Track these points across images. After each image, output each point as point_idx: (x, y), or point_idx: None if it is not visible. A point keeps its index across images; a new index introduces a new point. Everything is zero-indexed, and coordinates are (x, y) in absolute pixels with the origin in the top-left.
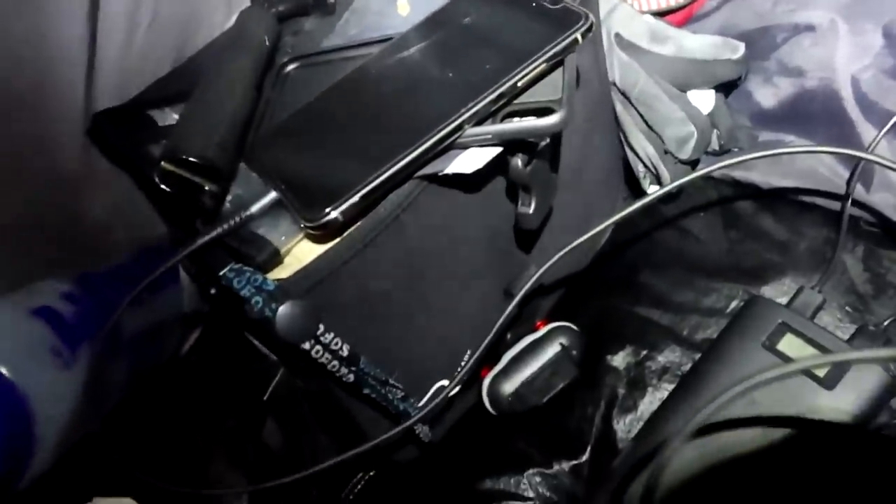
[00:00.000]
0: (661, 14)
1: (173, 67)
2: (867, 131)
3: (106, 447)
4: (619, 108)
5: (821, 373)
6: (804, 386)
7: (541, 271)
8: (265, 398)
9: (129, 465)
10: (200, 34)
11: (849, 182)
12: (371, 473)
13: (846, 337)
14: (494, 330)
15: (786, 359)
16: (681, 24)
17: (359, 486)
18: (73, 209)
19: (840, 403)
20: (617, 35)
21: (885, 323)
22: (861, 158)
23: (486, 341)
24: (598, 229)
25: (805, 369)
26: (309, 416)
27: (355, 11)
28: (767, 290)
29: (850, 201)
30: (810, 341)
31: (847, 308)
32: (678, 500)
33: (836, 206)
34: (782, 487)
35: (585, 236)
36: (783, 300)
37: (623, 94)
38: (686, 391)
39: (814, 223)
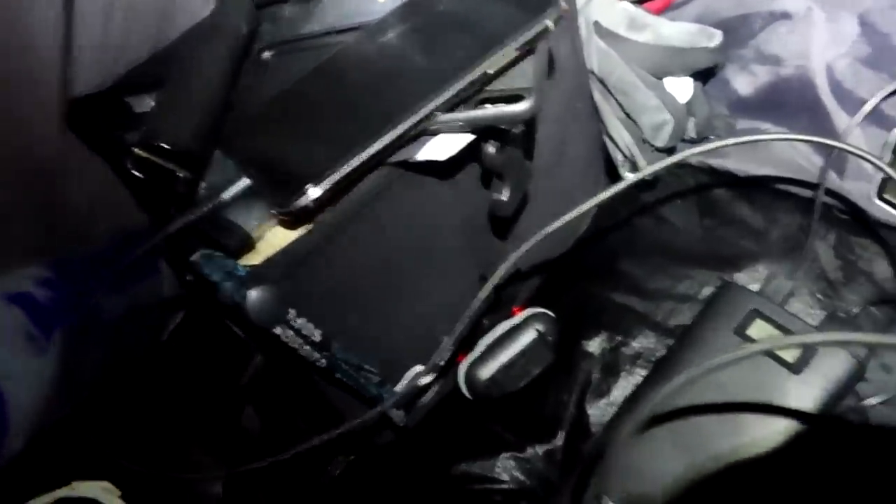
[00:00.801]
0: (640, 1)
1: (151, 54)
2: (841, 119)
3: (85, 432)
4: (597, 96)
5: (789, 358)
6: (772, 371)
7: (515, 257)
8: (243, 383)
9: (108, 450)
10: (178, 21)
11: (822, 170)
12: (351, 457)
13: (816, 323)
14: (468, 314)
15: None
16: (660, 12)
17: (339, 470)
18: (52, 196)
19: (807, 387)
20: (595, 23)
21: (855, 311)
22: (832, 147)
23: (460, 326)
24: (568, 217)
25: (774, 354)
26: (286, 401)
27: None
28: (741, 277)
29: (822, 190)
30: (780, 327)
31: (818, 295)
32: (645, 483)
33: (810, 193)
34: (750, 471)
35: (557, 223)
36: (756, 287)
37: (601, 82)
38: (658, 377)
39: (788, 211)
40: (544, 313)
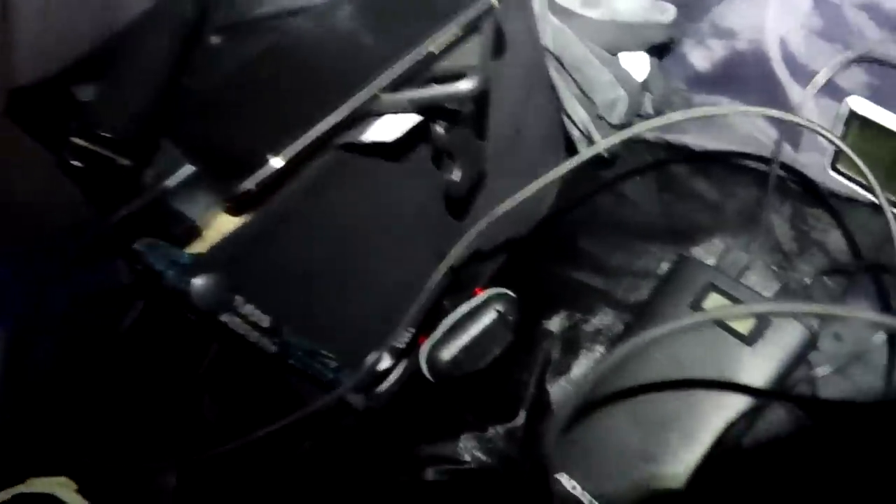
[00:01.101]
0: None
1: (96, 41)
2: (795, 92)
3: (39, 426)
4: (553, 73)
5: (743, 330)
6: (727, 343)
7: (470, 237)
8: (201, 372)
9: (63, 443)
10: (126, 6)
11: (777, 143)
12: (313, 442)
13: (771, 295)
14: (424, 296)
15: None
16: None
17: (301, 455)
18: None
19: (761, 359)
20: None
21: (808, 281)
22: (785, 120)
23: (415, 307)
24: (521, 196)
25: (728, 327)
26: (244, 389)
27: None
28: (698, 251)
29: (776, 164)
30: (734, 300)
31: (773, 267)
32: (603, 458)
33: (766, 167)
34: (706, 443)
35: (509, 202)
36: (712, 260)
37: (556, 58)
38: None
39: (744, 184)
40: (504, 293)
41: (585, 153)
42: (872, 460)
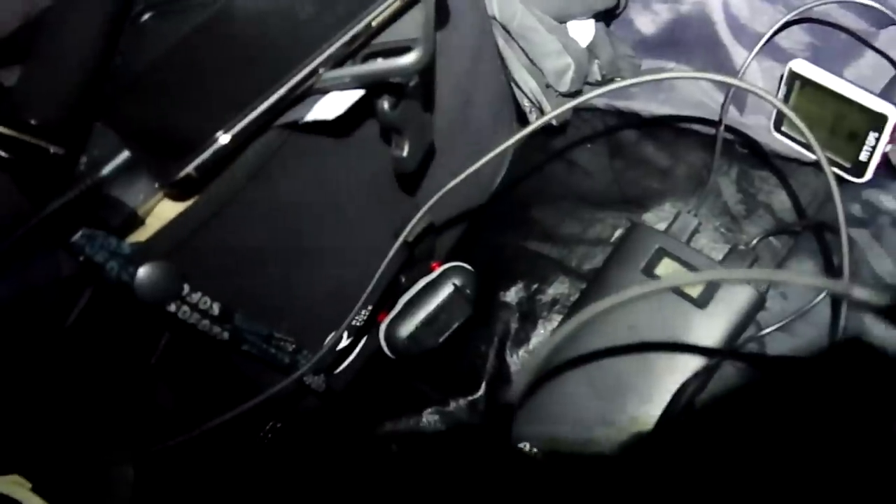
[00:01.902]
0: None
1: (23, 22)
2: (739, 54)
3: None
4: (500, 42)
5: (694, 293)
6: (680, 307)
7: (423, 211)
8: (154, 361)
9: (13, 441)
10: None
11: (722, 107)
12: (277, 425)
13: (720, 257)
14: (379, 273)
15: None
16: None
17: (268, 437)
18: None
19: (712, 320)
20: None
21: (754, 242)
22: (729, 84)
23: (371, 285)
24: (470, 170)
25: (680, 291)
26: (200, 376)
27: None
28: (649, 217)
29: (722, 127)
30: (685, 264)
31: (721, 229)
32: (562, 426)
33: (713, 130)
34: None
35: (461, 176)
36: (663, 225)
37: (503, 27)
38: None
39: (692, 148)
40: (461, 267)
41: (538, 123)
42: (816, 413)
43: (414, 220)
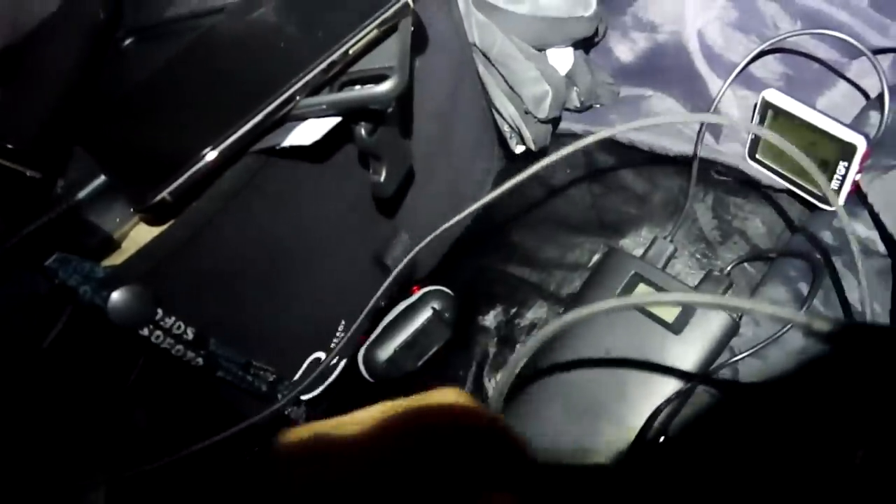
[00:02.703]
0: None
1: (3, 47)
2: (715, 83)
3: None
4: (481, 69)
5: (669, 318)
6: (655, 331)
7: (414, 251)
8: (130, 384)
9: None
10: (35, 9)
11: (696, 141)
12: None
13: (695, 283)
14: (368, 308)
15: None
16: None
17: (246, 461)
18: None
19: (687, 346)
20: None
21: (728, 268)
22: (705, 116)
23: (361, 317)
24: (462, 216)
25: (655, 316)
26: (176, 401)
27: None
28: (626, 243)
29: (697, 159)
30: (660, 289)
31: (697, 255)
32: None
33: (689, 155)
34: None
35: (455, 219)
36: (640, 251)
37: (484, 54)
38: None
39: (668, 175)
40: (440, 290)
41: (539, 164)
42: (784, 440)
43: (407, 259)
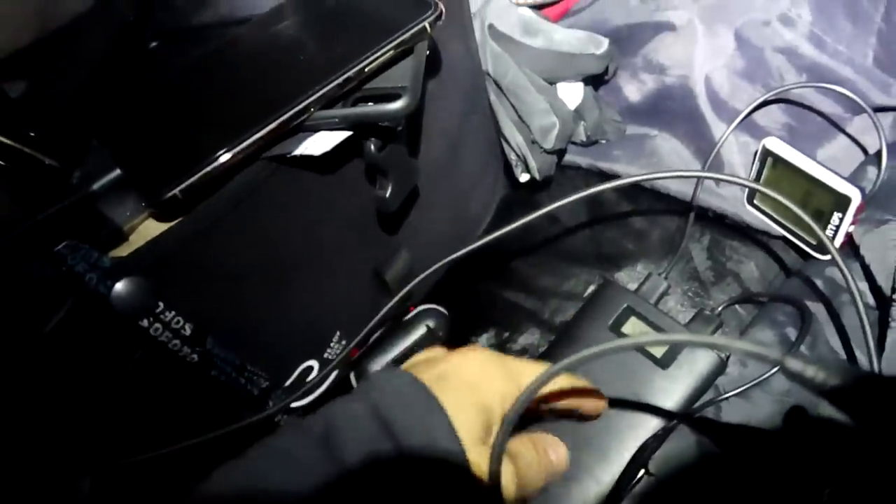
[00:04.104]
0: (538, 7)
1: (34, 39)
2: (718, 127)
3: None
4: (492, 97)
5: (657, 354)
6: (643, 366)
7: (419, 279)
8: (126, 376)
9: None
10: (66, 6)
11: (693, 194)
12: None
13: (686, 320)
14: (369, 327)
15: None
16: (557, 19)
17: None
18: None
19: (673, 382)
20: (490, 26)
21: (719, 308)
22: (708, 160)
23: (360, 336)
24: (467, 250)
25: (644, 350)
26: (170, 396)
27: None
28: (622, 276)
29: (694, 209)
30: (651, 324)
31: (689, 293)
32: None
33: (690, 195)
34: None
35: (461, 252)
36: (634, 285)
37: (496, 83)
38: None
39: (667, 213)
40: (435, 309)
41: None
42: (759, 475)
43: (411, 284)
